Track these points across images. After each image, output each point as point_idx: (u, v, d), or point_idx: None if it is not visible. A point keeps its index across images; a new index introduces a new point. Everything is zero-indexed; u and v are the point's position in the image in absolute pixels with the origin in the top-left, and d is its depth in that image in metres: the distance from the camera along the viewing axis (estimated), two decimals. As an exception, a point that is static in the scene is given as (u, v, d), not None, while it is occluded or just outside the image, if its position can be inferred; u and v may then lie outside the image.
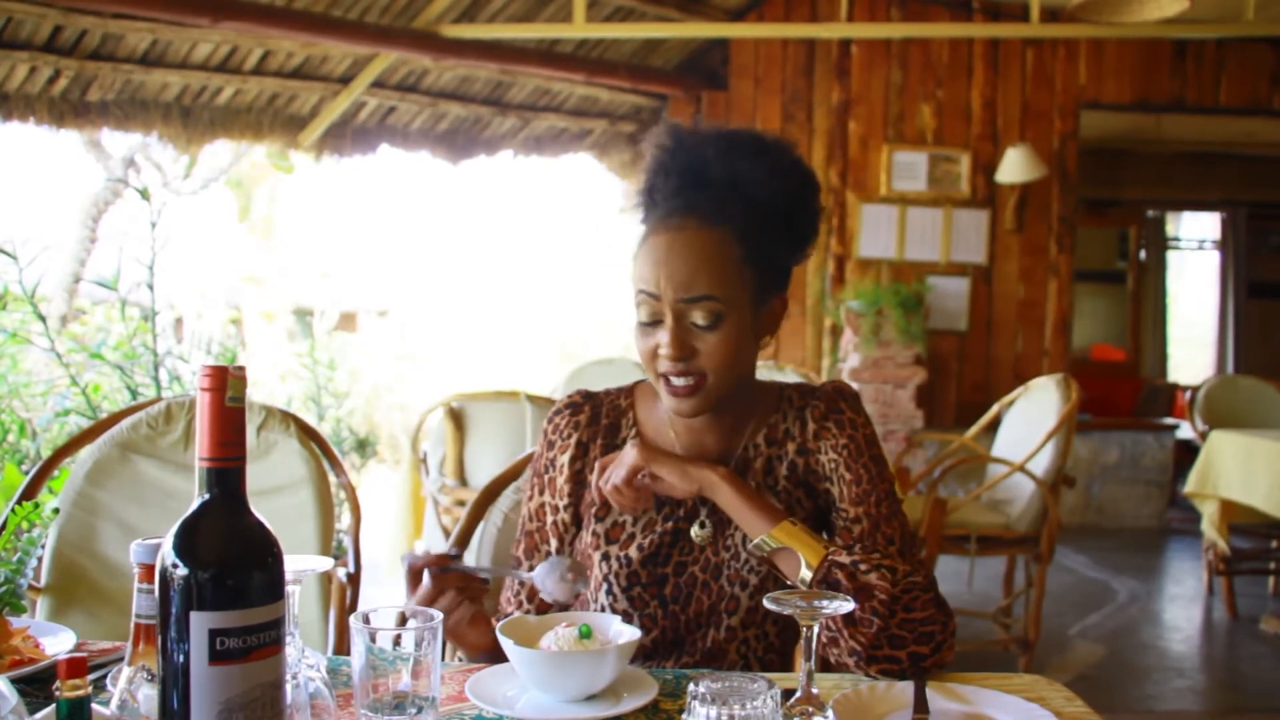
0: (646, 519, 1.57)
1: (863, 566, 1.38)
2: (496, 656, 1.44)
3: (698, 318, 1.46)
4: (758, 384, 1.63)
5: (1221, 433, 4.79)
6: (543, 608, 1.61)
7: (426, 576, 1.42)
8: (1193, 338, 11.19)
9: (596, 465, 1.55)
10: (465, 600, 1.44)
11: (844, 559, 1.39)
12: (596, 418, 1.65)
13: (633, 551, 1.55)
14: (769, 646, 1.57)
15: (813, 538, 1.43)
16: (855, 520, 1.53)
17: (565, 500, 1.63)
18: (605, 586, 1.56)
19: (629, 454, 1.50)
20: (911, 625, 1.36)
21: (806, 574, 1.40)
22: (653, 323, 1.49)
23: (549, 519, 1.64)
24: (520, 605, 1.64)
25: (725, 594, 1.54)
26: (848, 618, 1.37)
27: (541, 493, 1.65)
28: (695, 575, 1.55)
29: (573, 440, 1.63)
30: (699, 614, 1.54)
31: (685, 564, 1.56)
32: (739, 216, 1.49)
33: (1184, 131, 8.28)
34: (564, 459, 1.63)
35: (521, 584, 1.65)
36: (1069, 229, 6.94)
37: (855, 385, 6.32)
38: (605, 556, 1.56)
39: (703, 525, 1.56)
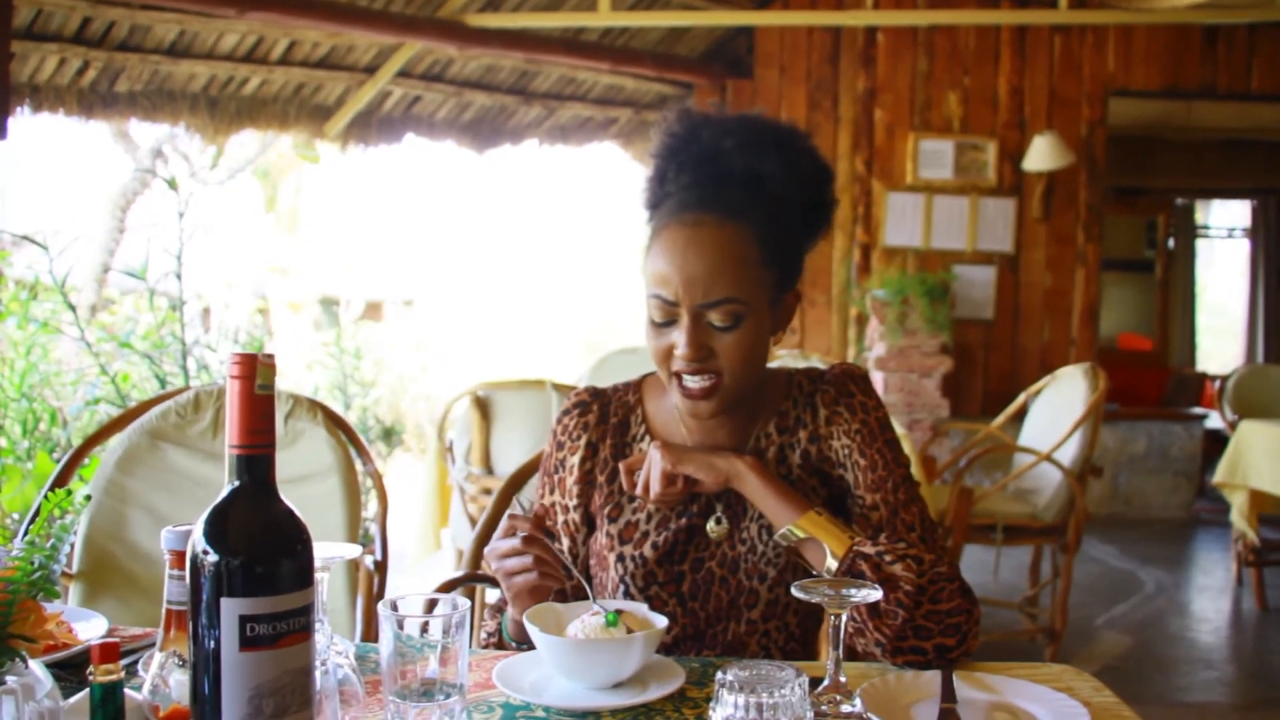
0: (660, 516, 1.56)
1: (888, 558, 1.37)
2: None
3: (716, 319, 1.43)
4: (768, 372, 1.59)
5: (1251, 422, 4.75)
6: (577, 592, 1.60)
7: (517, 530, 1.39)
8: (1222, 327, 11.11)
9: (621, 469, 1.52)
10: (535, 570, 1.37)
11: (869, 549, 1.38)
12: (605, 416, 1.63)
13: (647, 550, 1.54)
14: (790, 636, 1.55)
15: (838, 527, 1.42)
16: (873, 508, 1.51)
17: (575, 500, 1.61)
18: (622, 588, 1.55)
19: (656, 459, 1.48)
20: (938, 617, 1.36)
21: (832, 564, 1.39)
22: (666, 323, 1.45)
23: (559, 519, 1.63)
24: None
25: (744, 588, 1.52)
26: (873, 609, 1.36)
27: (551, 492, 1.64)
28: (713, 571, 1.54)
29: (582, 441, 1.61)
30: (718, 609, 1.53)
31: (702, 560, 1.54)
32: (758, 214, 1.45)
33: (1215, 118, 8.18)
34: (574, 460, 1.61)
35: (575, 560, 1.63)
36: (1096, 217, 6.88)
37: (880, 374, 6.35)
38: (620, 558, 1.55)
39: (719, 521, 1.54)
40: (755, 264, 1.44)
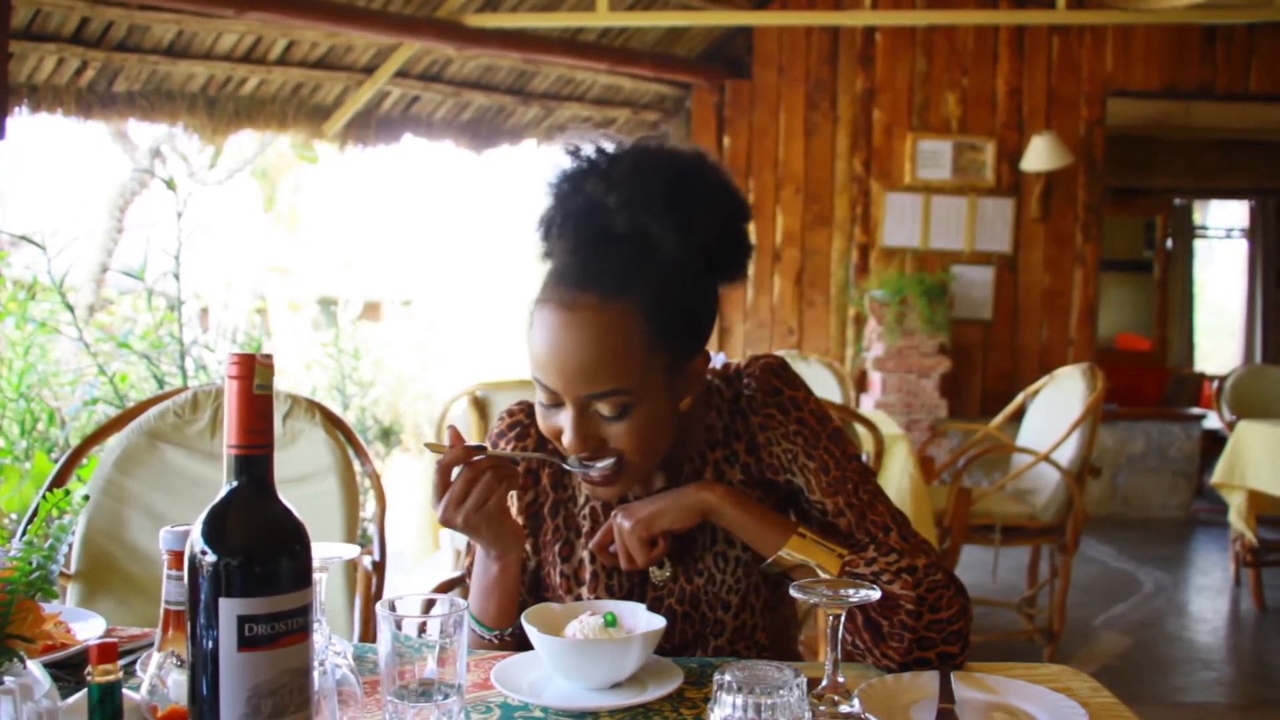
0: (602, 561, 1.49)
1: (884, 577, 1.34)
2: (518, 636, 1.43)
3: (603, 409, 1.31)
4: None
5: (1249, 423, 4.75)
6: (541, 597, 1.57)
7: (456, 471, 1.33)
8: (1220, 327, 11.11)
9: (595, 551, 1.45)
10: (505, 480, 1.34)
11: (863, 569, 1.35)
12: (543, 442, 1.49)
13: (602, 593, 1.48)
14: (762, 649, 1.52)
15: (826, 546, 1.37)
16: (837, 513, 1.42)
17: (524, 530, 1.52)
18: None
19: (626, 530, 1.39)
20: (939, 626, 1.34)
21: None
22: (554, 405, 1.35)
23: None
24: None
25: (708, 620, 1.48)
26: (876, 635, 1.34)
27: None
28: (673, 609, 1.47)
29: (520, 468, 1.50)
30: (683, 644, 1.48)
31: (661, 599, 1.48)
32: (647, 286, 1.30)
33: (1213, 119, 8.18)
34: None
35: (524, 571, 1.55)
36: (1095, 218, 6.89)
37: (879, 375, 6.36)
38: (577, 600, 1.50)
39: (660, 565, 1.48)
40: (643, 349, 1.30)
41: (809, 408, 1.47)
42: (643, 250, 1.31)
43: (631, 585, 1.49)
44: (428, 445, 1.38)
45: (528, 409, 1.53)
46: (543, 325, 1.32)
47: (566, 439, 1.33)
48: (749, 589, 1.47)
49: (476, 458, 1.34)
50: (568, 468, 1.40)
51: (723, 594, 1.47)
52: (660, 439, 1.37)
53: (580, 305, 1.29)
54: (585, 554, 1.50)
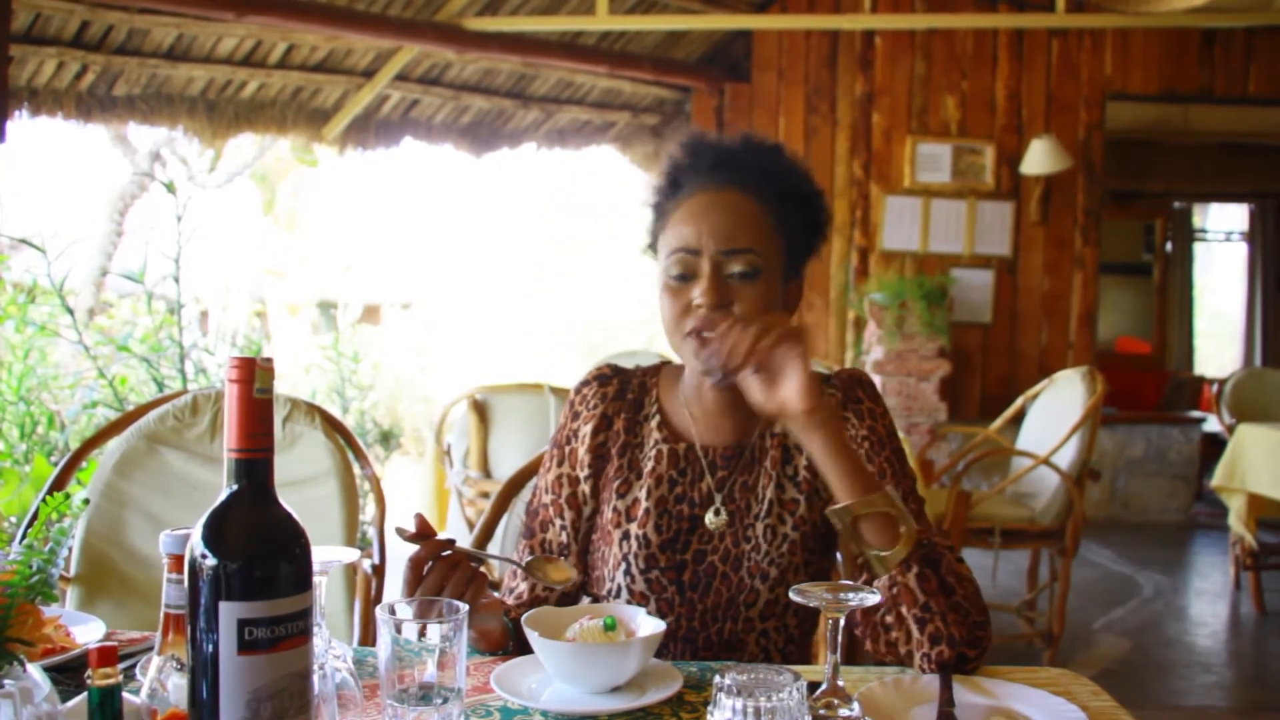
0: (658, 497, 1.56)
1: (957, 556, 1.40)
2: (518, 640, 1.45)
3: (735, 268, 1.47)
4: None
5: (1249, 426, 4.75)
6: (536, 597, 1.59)
7: (430, 564, 1.34)
8: (1220, 330, 11.12)
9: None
10: (475, 577, 1.36)
11: (938, 539, 1.40)
12: (623, 393, 1.65)
13: (650, 531, 1.54)
14: (789, 638, 1.56)
15: (906, 513, 1.37)
16: None
17: (586, 471, 1.62)
18: (623, 566, 1.55)
19: (751, 334, 1.34)
20: (974, 624, 1.37)
21: (896, 552, 1.34)
22: (684, 278, 1.49)
23: (565, 491, 1.62)
24: (514, 589, 1.62)
25: (745, 586, 1.53)
26: (949, 595, 1.34)
27: (560, 464, 1.64)
28: (715, 565, 1.54)
29: (598, 412, 1.63)
30: (716, 604, 1.54)
31: (704, 552, 1.55)
32: (772, 196, 1.52)
33: (1212, 122, 8.19)
34: (587, 429, 1.62)
35: (518, 571, 1.60)
36: (1094, 221, 6.89)
37: (878, 378, 6.34)
38: (625, 535, 1.56)
39: (717, 513, 1.55)
40: (771, 229, 1.51)
41: (883, 422, 1.59)
42: (767, 175, 1.54)
43: (679, 529, 1.56)
44: (397, 530, 1.37)
45: (615, 367, 1.70)
46: (689, 209, 1.51)
47: (699, 298, 1.46)
48: (789, 567, 1.53)
49: (445, 552, 1.35)
50: (518, 566, 1.47)
51: (764, 564, 1.53)
52: None
53: (724, 191, 1.52)
54: (641, 494, 1.57)
